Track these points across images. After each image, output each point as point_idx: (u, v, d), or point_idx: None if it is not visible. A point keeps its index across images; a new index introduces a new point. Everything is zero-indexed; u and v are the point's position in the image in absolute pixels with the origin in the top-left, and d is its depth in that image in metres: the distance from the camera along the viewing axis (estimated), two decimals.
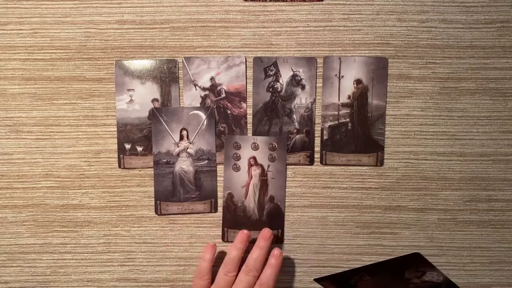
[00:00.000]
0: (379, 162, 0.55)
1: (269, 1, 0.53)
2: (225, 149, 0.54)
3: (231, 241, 0.55)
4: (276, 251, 0.52)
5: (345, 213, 0.56)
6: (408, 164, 0.55)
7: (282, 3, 0.53)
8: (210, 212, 0.56)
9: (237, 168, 0.54)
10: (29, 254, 0.56)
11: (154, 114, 0.54)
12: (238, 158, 0.54)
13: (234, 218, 0.55)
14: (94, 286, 0.57)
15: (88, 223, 0.56)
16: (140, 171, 0.55)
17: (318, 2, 0.53)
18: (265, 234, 0.52)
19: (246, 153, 0.55)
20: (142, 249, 0.56)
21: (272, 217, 0.55)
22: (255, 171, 0.54)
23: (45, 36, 0.54)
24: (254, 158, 0.54)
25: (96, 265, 0.57)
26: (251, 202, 0.55)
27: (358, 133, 0.55)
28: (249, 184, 0.55)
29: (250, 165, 0.55)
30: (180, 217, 0.56)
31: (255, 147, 0.54)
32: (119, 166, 0.55)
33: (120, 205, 0.56)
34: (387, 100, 0.54)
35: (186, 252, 0.57)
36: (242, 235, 0.52)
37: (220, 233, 0.56)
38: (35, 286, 0.57)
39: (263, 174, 0.55)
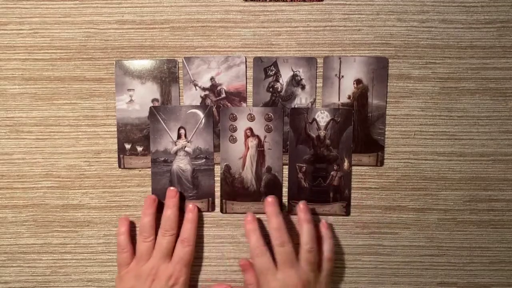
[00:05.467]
0: (379, 162, 0.55)
1: (269, 1, 0.53)
2: (221, 121, 0.54)
3: (230, 213, 0.55)
4: (190, 205, 0.54)
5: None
6: (408, 164, 0.55)
7: (282, 3, 0.53)
8: (208, 211, 0.56)
9: (233, 140, 0.54)
10: (29, 254, 0.56)
11: (152, 113, 0.54)
12: (234, 129, 0.54)
13: (232, 190, 0.55)
14: (94, 286, 0.57)
15: (88, 223, 0.56)
16: (140, 171, 0.55)
17: (318, 2, 0.53)
18: (170, 193, 0.54)
19: (242, 124, 0.54)
20: None
21: (270, 188, 0.55)
22: (252, 142, 0.54)
23: (45, 36, 0.54)
24: (251, 129, 0.54)
25: (96, 265, 0.57)
26: (248, 174, 0.55)
27: (358, 133, 0.55)
28: (246, 155, 0.55)
29: (246, 136, 0.54)
30: (179, 217, 0.56)
31: (251, 118, 0.54)
32: (119, 166, 0.55)
33: (120, 205, 0.56)
34: (387, 100, 0.54)
35: None
36: (148, 200, 0.54)
37: (220, 233, 0.56)
38: (35, 286, 0.57)
39: (260, 145, 0.55)
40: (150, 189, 0.55)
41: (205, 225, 0.56)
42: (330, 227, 0.54)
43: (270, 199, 0.53)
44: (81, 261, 0.56)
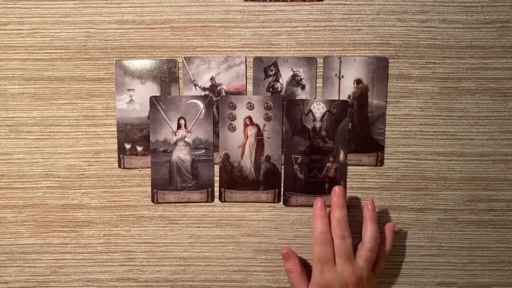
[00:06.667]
0: (379, 162, 0.55)
1: (269, 1, 0.53)
2: (220, 109, 0.54)
3: (228, 201, 0.55)
4: None
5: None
6: (408, 164, 0.55)
7: (282, 3, 0.53)
8: (207, 201, 0.56)
9: (232, 128, 0.54)
10: (29, 254, 0.56)
11: (152, 103, 0.54)
12: (233, 118, 0.54)
13: (230, 178, 0.55)
14: (94, 286, 0.57)
15: (88, 223, 0.56)
16: (140, 171, 0.55)
17: (318, 2, 0.53)
18: None
19: (241, 112, 0.54)
20: (142, 249, 0.56)
21: (269, 176, 0.55)
22: (251, 131, 0.54)
23: (45, 36, 0.54)
24: (250, 117, 0.54)
25: (96, 265, 0.57)
26: (247, 162, 0.55)
27: (358, 133, 0.55)
28: (245, 144, 0.54)
29: (245, 125, 0.54)
30: (180, 217, 0.56)
31: (251, 107, 0.54)
32: (119, 166, 0.55)
33: (120, 205, 0.56)
34: (387, 100, 0.54)
35: (186, 252, 0.57)
36: None
37: (220, 233, 0.56)
38: (35, 286, 0.57)
39: (259, 133, 0.54)
40: (150, 189, 0.55)
41: (205, 225, 0.56)
42: (394, 231, 0.54)
43: (337, 189, 0.51)
44: (81, 261, 0.56)
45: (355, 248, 0.52)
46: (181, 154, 0.55)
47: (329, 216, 0.52)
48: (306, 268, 0.55)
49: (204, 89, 0.54)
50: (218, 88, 0.54)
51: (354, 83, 0.54)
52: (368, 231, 0.51)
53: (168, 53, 0.54)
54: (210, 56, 0.54)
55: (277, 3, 0.53)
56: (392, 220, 0.56)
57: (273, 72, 0.54)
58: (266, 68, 0.54)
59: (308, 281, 0.53)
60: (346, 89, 0.54)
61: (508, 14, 0.53)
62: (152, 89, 0.54)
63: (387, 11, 0.53)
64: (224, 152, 0.55)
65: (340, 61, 0.54)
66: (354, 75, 0.54)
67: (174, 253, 0.57)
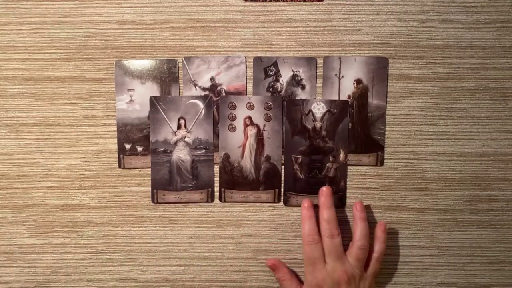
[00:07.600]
0: (379, 162, 0.55)
1: (269, 1, 0.53)
2: (220, 109, 0.54)
3: (228, 202, 0.55)
4: None
5: (345, 213, 0.56)
6: (408, 164, 0.55)
7: (282, 3, 0.53)
8: (207, 201, 0.56)
9: (232, 129, 0.54)
10: (29, 254, 0.56)
11: (152, 103, 0.54)
12: (233, 118, 0.54)
13: (230, 179, 0.55)
14: (94, 286, 0.57)
15: (88, 223, 0.56)
16: (140, 171, 0.55)
17: (318, 2, 0.53)
18: None
19: (241, 112, 0.54)
20: (142, 249, 0.56)
21: (269, 176, 0.55)
22: (251, 131, 0.54)
23: (45, 36, 0.54)
24: (250, 118, 0.54)
25: (96, 265, 0.57)
26: (247, 162, 0.55)
27: (358, 133, 0.55)
28: (245, 144, 0.55)
29: (245, 125, 0.54)
30: (180, 217, 0.56)
31: (251, 107, 0.54)
32: (119, 166, 0.55)
33: (120, 205, 0.56)
34: (387, 100, 0.54)
35: (186, 252, 0.57)
36: None
37: (220, 233, 0.56)
38: (35, 286, 0.57)
39: (259, 133, 0.54)
40: (150, 189, 0.55)
41: (205, 225, 0.56)
42: (386, 230, 0.54)
43: (325, 189, 0.52)
44: (81, 261, 0.56)
45: (346, 249, 0.52)
46: (181, 154, 0.55)
47: (317, 216, 0.53)
48: (297, 276, 0.56)
49: (204, 89, 0.54)
50: (218, 88, 0.54)
51: (354, 83, 0.54)
52: (358, 229, 0.52)
53: (168, 53, 0.54)
54: (210, 56, 0.54)
55: (277, 3, 0.53)
56: (392, 220, 0.56)
57: (273, 72, 0.54)
58: (266, 68, 0.54)
59: (300, 285, 0.53)
60: (346, 89, 0.54)
61: (508, 14, 0.53)
62: (152, 89, 0.54)
63: (387, 11, 0.53)
64: (224, 152, 0.55)
65: (340, 61, 0.54)
66: (354, 75, 0.54)
67: (174, 253, 0.57)
